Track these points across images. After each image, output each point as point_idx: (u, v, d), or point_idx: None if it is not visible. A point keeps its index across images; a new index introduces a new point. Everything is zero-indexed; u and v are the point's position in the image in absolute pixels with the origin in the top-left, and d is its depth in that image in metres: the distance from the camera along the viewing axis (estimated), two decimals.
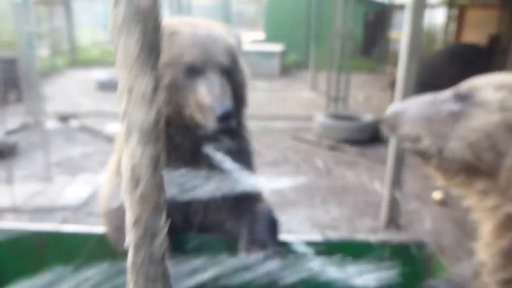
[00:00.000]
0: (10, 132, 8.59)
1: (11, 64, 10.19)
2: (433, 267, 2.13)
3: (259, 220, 2.11)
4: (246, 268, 1.89)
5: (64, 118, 10.09)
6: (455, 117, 1.55)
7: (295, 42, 19.09)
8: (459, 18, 14.83)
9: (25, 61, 8.90)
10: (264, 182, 2.38)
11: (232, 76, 2.11)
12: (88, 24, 23.29)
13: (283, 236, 2.18)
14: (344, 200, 6.35)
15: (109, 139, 8.40)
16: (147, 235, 0.76)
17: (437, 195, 6.27)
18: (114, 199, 2.05)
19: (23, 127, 9.13)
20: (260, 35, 21.32)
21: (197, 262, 1.91)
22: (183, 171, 2.00)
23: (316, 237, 2.25)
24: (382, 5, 19.84)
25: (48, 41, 18.02)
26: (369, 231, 5.53)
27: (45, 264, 2.00)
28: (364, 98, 13.34)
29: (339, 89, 10.97)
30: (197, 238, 2.18)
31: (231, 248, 2.04)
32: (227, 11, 19.70)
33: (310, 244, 2.19)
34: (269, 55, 17.34)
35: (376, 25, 19.88)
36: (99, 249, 2.14)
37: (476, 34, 13.04)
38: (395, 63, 6.31)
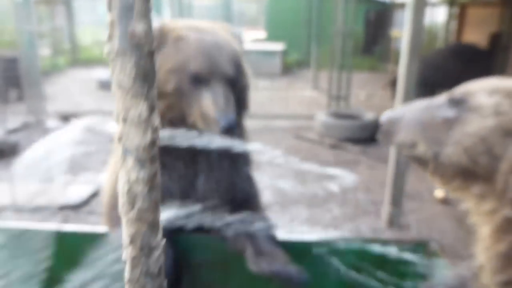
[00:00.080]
0: (11, 131, 8.60)
1: (12, 63, 10.20)
2: (435, 265, 2.12)
3: (260, 233, 2.11)
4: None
5: (65, 117, 10.09)
6: (450, 122, 1.56)
7: (296, 41, 19.09)
8: (460, 16, 14.81)
9: (26, 60, 8.91)
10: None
11: (236, 82, 2.11)
12: (89, 23, 23.26)
13: (285, 236, 2.18)
14: (346, 199, 6.34)
15: (111, 138, 8.39)
16: (143, 251, 0.79)
17: (439, 193, 6.26)
18: (115, 199, 2.05)
19: (24, 126, 9.13)
20: (261, 34, 21.31)
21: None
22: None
23: (317, 236, 2.25)
24: (383, 4, 19.84)
25: (49, 40, 18.03)
26: (371, 230, 5.52)
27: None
28: (365, 96, 13.34)
29: (341, 87, 10.97)
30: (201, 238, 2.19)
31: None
32: (228, 10, 19.69)
33: (311, 243, 2.18)
34: (270, 54, 17.33)
35: (377, 24, 19.89)
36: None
37: (477, 33, 13.02)
38: (396, 62, 6.31)
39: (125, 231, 0.78)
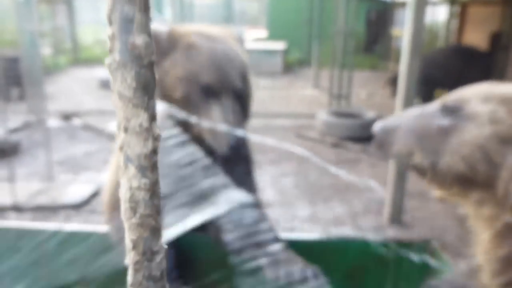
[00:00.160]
0: (12, 131, 8.61)
1: (13, 62, 10.22)
2: (436, 264, 2.13)
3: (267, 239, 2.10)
4: None
5: (66, 117, 10.11)
6: (446, 131, 1.55)
7: (298, 40, 19.11)
8: (461, 15, 14.79)
9: (27, 59, 8.92)
10: None
11: (242, 94, 2.12)
12: (90, 22, 23.31)
13: (286, 235, 2.19)
14: (347, 198, 6.35)
15: (112, 137, 8.41)
16: (146, 255, 0.81)
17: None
18: (116, 199, 2.05)
19: (26, 126, 9.15)
20: (263, 33, 21.31)
21: None
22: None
23: (318, 235, 2.26)
24: (384, 3, 19.84)
25: (51, 40, 18.05)
26: (372, 228, 5.53)
27: None
28: (366, 95, 13.34)
29: (342, 86, 10.97)
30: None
31: None
32: (229, 9, 19.72)
33: (312, 242, 2.19)
34: (271, 53, 17.34)
35: (378, 23, 19.89)
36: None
37: (478, 32, 13.01)
38: (397, 60, 6.32)
39: (128, 237, 0.80)
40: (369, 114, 9.42)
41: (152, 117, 0.73)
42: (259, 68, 15.05)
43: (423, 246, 2.19)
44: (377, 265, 2.13)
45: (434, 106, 1.64)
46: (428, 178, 1.63)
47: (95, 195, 6.08)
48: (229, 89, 2.03)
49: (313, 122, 9.80)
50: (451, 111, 1.56)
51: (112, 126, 9.20)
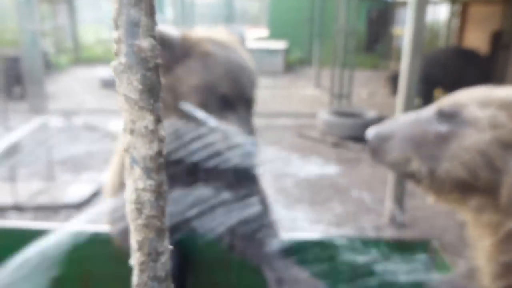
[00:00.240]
0: (13, 130, 8.61)
1: (14, 62, 10.23)
2: (436, 263, 2.14)
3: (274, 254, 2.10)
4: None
5: (67, 116, 10.11)
6: (444, 137, 1.52)
7: (299, 39, 19.11)
8: (462, 14, 14.79)
9: (29, 59, 8.92)
10: None
11: (252, 101, 2.13)
12: (91, 21, 23.31)
13: (288, 235, 2.19)
14: (348, 197, 6.36)
15: (113, 137, 8.42)
16: (151, 256, 0.82)
17: None
18: (118, 200, 2.06)
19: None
20: (264, 32, 21.31)
21: None
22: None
23: (318, 235, 2.26)
24: (385, 2, 19.83)
25: (52, 39, 18.06)
26: (373, 228, 5.54)
27: None
28: (367, 94, 13.34)
29: (343, 86, 10.98)
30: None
31: None
32: (230, 9, 19.73)
33: (313, 242, 2.19)
34: (272, 52, 17.34)
35: (379, 22, 19.90)
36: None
37: (479, 31, 13.01)
38: (398, 59, 6.32)
39: (133, 238, 0.82)
40: (370, 113, 9.42)
41: (158, 119, 0.74)
42: (260, 67, 14.92)
43: (423, 246, 2.19)
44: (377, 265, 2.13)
45: (429, 111, 1.61)
46: (425, 185, 1.59)
47: (96, 194, 6.09)
48: (244, 100, 2.03)
49: (314, 121, 9.80)
50: (448, 116, 1.53)
51: (113, 125, 9.23)
